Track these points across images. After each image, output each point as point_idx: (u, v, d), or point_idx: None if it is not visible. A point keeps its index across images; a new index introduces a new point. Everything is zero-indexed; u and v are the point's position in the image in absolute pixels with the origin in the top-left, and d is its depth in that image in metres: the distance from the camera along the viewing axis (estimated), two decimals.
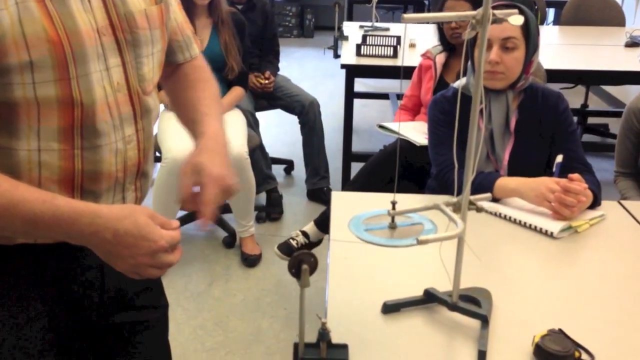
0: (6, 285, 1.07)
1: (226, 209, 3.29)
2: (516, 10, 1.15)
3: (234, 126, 3.06)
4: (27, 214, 0.90)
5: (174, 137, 2.83)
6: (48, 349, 1.11)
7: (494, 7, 1.63)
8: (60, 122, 0.98)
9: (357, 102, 3.85)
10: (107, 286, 1.17)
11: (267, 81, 3.58)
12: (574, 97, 5.10)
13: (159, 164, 2.88)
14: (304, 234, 2.75)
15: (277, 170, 3.94)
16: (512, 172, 1.91)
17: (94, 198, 1.06)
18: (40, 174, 1.00)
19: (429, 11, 6.74)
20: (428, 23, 4.06)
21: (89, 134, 1.01)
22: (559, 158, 1.85)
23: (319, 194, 3.71)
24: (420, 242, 1.08)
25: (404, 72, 3.51)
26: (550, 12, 6.95)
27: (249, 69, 3.36)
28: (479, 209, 1.20)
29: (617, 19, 4.94)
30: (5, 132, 0.96)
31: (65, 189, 1.02)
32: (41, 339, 1.10)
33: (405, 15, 1.03)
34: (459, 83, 2.04)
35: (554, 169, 1.85)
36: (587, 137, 4.67)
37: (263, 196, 3.60)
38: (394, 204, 1.23)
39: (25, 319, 1.08)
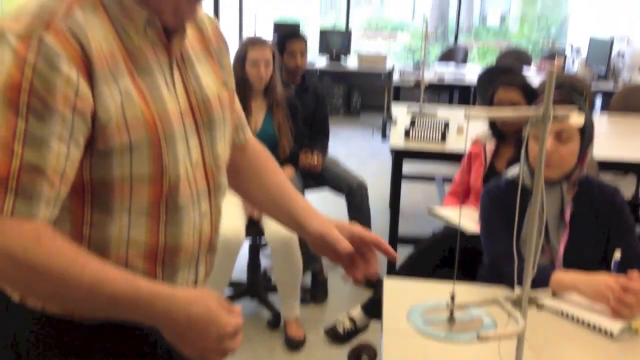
0: None
1: (271, 288, 3.28)
2: (576, 109, 1.16)
3: None
4: (112, 293, 0.93)
5: (225, 217, 2.87)
6: None
7: None
8: (149, 198, 1.04)
9: (403, 184, 3.86)
10: None
11: (315, 162, 3.64)
12: (624, 186, 5.02)
13: None
14: (350, 319, 2.72)
15: None
16: (567, 264, 1.88)
17: (173, 272, 1.10)
18: (128, 249, 1.04)
19: (474, 96, 6.82)
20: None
21: (173, 208, 1.07)
22: (617, 254, 1.81)
23: None
24: (480, 339, 1.07)
25: (452, 157, 3.54)
26: (597, 100, 6.94)
27: (299, 148, 3.43)
28: (540, 306, 1.18)
29: None
30: (100, 209, 1.01)
31: (149, 263, 1.07)
32: None
33: (471, 112, 1.06)
34: (513, 173, 2.04)
35: (612, 265, 1.81)
36: (639, 229, 4.55)
37: (307, 278, 3.59)
38: (452, 297, 1.22)
39: None
